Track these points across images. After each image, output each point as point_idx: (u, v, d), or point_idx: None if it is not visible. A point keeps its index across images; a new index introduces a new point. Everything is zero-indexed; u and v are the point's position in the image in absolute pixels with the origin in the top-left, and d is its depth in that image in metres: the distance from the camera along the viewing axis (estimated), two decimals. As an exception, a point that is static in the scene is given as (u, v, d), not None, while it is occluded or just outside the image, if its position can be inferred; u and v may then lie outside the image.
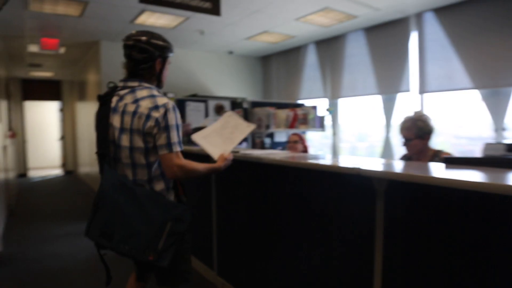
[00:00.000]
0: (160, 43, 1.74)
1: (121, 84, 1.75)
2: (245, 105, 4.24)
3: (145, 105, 1.64)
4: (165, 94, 5.35)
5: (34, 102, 10.20)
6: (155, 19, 4.64)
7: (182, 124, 1.78)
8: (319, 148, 6.21)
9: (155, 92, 1.70)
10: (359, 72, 5.24)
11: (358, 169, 1.52)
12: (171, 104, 1.68)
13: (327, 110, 4.46)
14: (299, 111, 4.28)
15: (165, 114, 1.63)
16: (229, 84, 6.82)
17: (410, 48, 4.67)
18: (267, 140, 4.44)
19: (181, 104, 3.81)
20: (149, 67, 1.73)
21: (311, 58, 6.10)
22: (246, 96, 6.83)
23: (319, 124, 4.49)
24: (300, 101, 6.35)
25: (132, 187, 1.64)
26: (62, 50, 6.10)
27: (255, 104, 4.32)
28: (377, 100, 5.06)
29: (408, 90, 4.70)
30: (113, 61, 5.63)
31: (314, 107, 4.45)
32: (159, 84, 1.82)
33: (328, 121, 4.55)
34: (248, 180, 2.49)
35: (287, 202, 2.13)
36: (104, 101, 1.73)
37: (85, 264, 3.49)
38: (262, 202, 2.35)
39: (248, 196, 2.49)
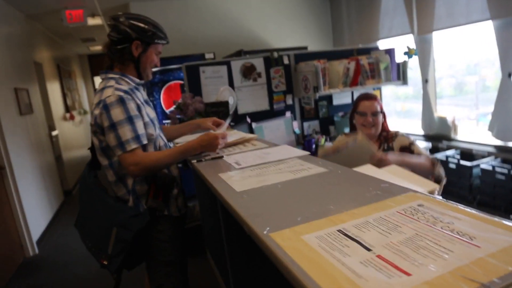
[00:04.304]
0: (141, 24, 1.67)
1: (102, 76, 1.72)
2: (286, 61, 3.24)
3: (95, 100, 1.63)
4: (203, 55, 4.67)
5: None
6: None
7: (138, 114, 1.61)
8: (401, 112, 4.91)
9: (110, 83, 1.63)
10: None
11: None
12: (113, 97, 1.56)
13: (407, 53, 3.20)
14: (364, 60, 3.13)
15: (106, 111, 1.55)
16: (289, 33, 5.75)
17: None
18: (322, 106, 3.42)
19: (192, 71, 2.98)
20: (123, 49, 1.67)
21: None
22: (311, 45, 5.70)
23: (397, 75, 3.28)
24: (380, 42, 5.04)
25: (91, 187, 1.71)
26: (97, 20, 5.72)
27: (301, 58, 3.29)
28: (489, 29, 3.56)
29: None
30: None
31: (389, 51, 3.25)
32: (139, 74, 1.75)
33: (410, 68, 3.28)
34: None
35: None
36: None
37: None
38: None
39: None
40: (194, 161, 1.66)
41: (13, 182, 3.77)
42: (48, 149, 5.34)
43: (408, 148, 1.97)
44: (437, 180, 1.87)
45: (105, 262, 1.64)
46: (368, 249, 0.68)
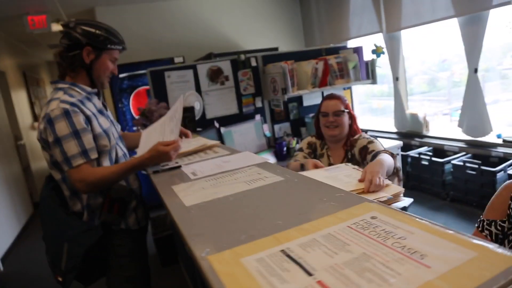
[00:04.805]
0: (91, 29, 1.58)
1: (52, 86, 1.64)
2: (253, 63, 3.17)
3: (42, 114, 1.54)
4: (172, 60, 4.55)
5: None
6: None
7: (85, 127, 1.51)
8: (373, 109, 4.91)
9: (56, 95, 1.54)
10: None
11: None
12: (58, 110, 1.46)
13: (375, 51, 3.17)
14: (332, 60, 3.09)
15: (50, 125, 1.46)
16: (260, 34, 5.67)
17: None
18: (293, 108, 3.36)
19: (157, 77, 2.87)
20: (73, 57, 1.58)
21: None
22: (283, 46, 5.64)
23: (366, 73, 3.25)
24: (351, 42, 5.04)
25: (44, 201, 1.62)
26: (58, 27, 5.51)
27: (269, 59, 3.22)
28: (454, 26, 3.58)
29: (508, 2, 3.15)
30: (113, 27, 4.87)
31: (357, 49, 3.22)
32: (93, 83, 1.66)
33: (379, 67, 3.25)
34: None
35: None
36: None
37: None
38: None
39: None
40: (150, 172, 1.56)
41: (-27, 197, 3.56)
42: (15, 159, 5.11)
43: (366, 147, 1.89)
44: (398, 173, 1.82)
45: (60, 279, 1.56)
46: (310, 274, 0.60)
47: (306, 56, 3.22)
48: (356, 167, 1.63)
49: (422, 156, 3.89)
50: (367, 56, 3.29)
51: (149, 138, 1.76)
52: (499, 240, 1.25)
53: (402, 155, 4.04)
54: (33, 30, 4.90)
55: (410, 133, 4.39)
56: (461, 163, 3.48)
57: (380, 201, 1.37)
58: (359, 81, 3.24)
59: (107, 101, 7.64)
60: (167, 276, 3.03)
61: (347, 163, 1.71)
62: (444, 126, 4.38)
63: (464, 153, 3.72)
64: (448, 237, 0.65)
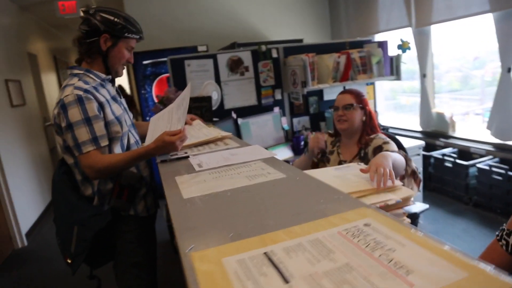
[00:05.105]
0: (110, 17, 1.59)
1: (68, 72, 1.67)
2: (274, 54, 3.11)
3: (56, 99, 1.57)
4: (195, 48, 4.54)
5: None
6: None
7: (97, 114, 1.54)
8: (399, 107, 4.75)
9: (72, 81, 1.56)
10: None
11: None
12: (71, 97, 1.49)
13: (400, 46, 3.05)
14: (355, 54, 3.00)
15: (63, 111, 1.50)
16: (286, 25, 5.58)
17: None
18: (313, 101, 3.29)
19: (178, 65, 2.87)
20: (91, 43, 1.60)
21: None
22: (309, 38, 5.54)
23: (390, 69, 3.14)
24: (378, 36, 4.88)
25: (56, 184, 1.64)
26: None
27: (290, 51, 3.16)
28: (488, 22, 3.40)
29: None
30: (139, 15, 4.90)
31: (382, 44, 3.11)
32: (108, 70, 1.67)
33: (404, 63, 3.14)
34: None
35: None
36: None
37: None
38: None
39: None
40: (158, 161, 1.56)
41: (1, 174, 3.71)
42: (42, 140, 5.28)
43: (380, 147, 1.82)
44: (414, 175, 1.74)
45: (69, 261, 1.61)
46: (286, 281, 0.57)
47: (329, 49, 3.14)
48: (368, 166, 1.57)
49: (446, 158, 3.74)
50: (392, 51, 3.17)
51: (157, 126, 1.77)
52: None
53: (424, 155, 3.91)
54: (63, 15, 5.01)
55: (435, 132, 4.23)
56: (487, 167, 3.33)
57: (388, 204, 1.33)
58: (383, 76, 3.13)
59: (131, 87, 7.81)
60: (177, 264, 3.07)
61: (359, 163, 1.66)
62: (472, 127, 4.19)
63: (491, 156, 3.55)
64: (442, 253, 0.61)
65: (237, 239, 0.75)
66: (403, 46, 3.06)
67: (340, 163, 1.98)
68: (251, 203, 0.97)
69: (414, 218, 2.06)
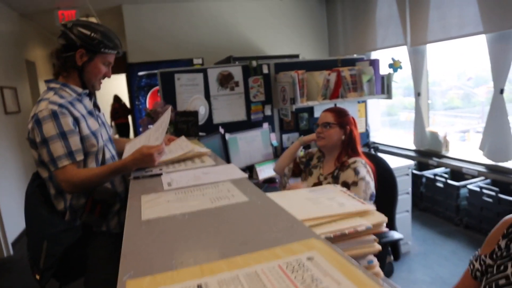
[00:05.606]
0: (87, 32, 1.58)
1: (46, 85, 1.66)
2: (265, 70, 3.12)
3: (31, 113, 1.56)
4: (191, 61, 4.57)
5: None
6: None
7: (72, 129, 1.54)
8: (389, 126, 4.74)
9: (47, 95, 1.56)
10: (453, 3, 3.60)
11: None
12: (46, 111, 1.49)
13: (392, 65, 3.05)
14: (346, 72, 3.00)
15: (37, 126, 1.49)
16: (283, 40, 5.63)
17: None
18: (303, 118, 3.29)
19: (168, 78, 2.88)
20: (67, 58, 1.60)
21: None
22: (307, 54, 5.57)
23: (381, 87, 3.14)
24: (375, 53, 4.91)
25: (28, 197, 1.64)
26: (92, 20, 5.67)
27: (281, 67, 3.17)
28: (481, 42, 3.42)
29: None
30: (137, 26, 4.96)
31: (373, 62, 3.11)
32: (84, 84, 1.67)
33: (395, 82, 3.14)
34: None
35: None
36: None
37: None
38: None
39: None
40: (131, 178, 1.55)
41: (-11, 182, 3.71)
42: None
43: (348, 186, 1.82)
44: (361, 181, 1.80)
45: (37, 277, 1.57)
46: (209, 320, 0.56)
47: (321, 66, 3.14)
48: (344, 189, 1.56)
49: (437, 178, 3.72)
50: (384, 69, 3.18)
51: (134, 146, 1.76)
52: (478, 277, 1.15)
53: (416, 174, 3.89)
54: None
55: (429, 151, 4.21)
56: (478, 189, 3.30)
57: (358, 230, 1.30)
58: (373, 95, 3.13)
59: (124, 97, 7.87)
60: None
61: (336, 184, 1.65)
62: (466, 147, 4.17)
63: (483, 178, 3.52)
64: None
65: (178, 267, 0.73)
66: (395, 65, 3.06)
67: (319, 177, 2.01)
68: (204, 229, 0.95)
69: (394, 246, 2.04)
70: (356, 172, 1.85)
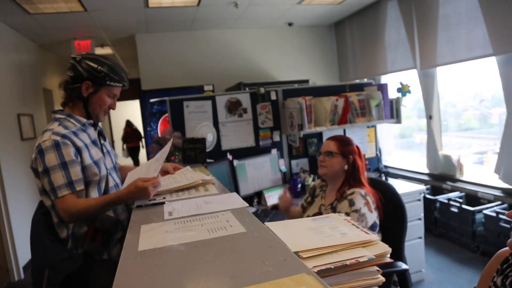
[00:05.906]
0: (94, 65, 1.64)
1: (52, 115, 1.74)
2: (273, 97, 3.16)
3: (36, 143, 1.61)
4: (201, 87, 4.66)
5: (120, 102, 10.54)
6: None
7: (74, 159, 1.58)
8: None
9: (51, 126, 1.62)
10: (461, 26, 3.60)
11: None
12: (49, 142, 1.54)
13: (400, 89, 3.05)
14: (353, 97, 3.01)
15: (40, 156, 1.55)
16: (293, 66, 5.70)
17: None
18: (312, 143, 3.29)
19: (177, 106, 2.94)
20: (74, 89, 1.66)
21: (393, 15, 4.56)
22: (317, 79, 5.61)
23: (390, 112, 3.13)
24: (385, 77, 4.92)
25: (33, 224, 1.70)
26: (107, 50, 5.88)
27: (289, 94, 3.20)
28: (491, 64, 3.39)
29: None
30: (150, 55, 5.11)
31: (381, 87, 3.12)
32: (89, 114, 1.72)
33: (404, 106, 3.13)
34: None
35: None
36: None
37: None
38: None
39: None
40: (134, 206, 1.56)
41: (4, 205, 3.78)
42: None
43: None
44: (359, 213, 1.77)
45: None
46: None
47: (329, 92, 3.17)
48: (348, 218, 1.54)
49: (452, 202, 3.63)
50: (393, 94, 3.17)
51: (134, 176, 1.79)
52: None
53: (430, 199, 3.80)
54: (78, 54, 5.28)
55: (443, 175, 4.13)
56: (494, 214, 3.20)
57: (359, 261, 1.27)
58: (382, 120, 3.11)
59: (138, 123, 7.97)
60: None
61: (340, 213, 1.63)
62: (481, 170, 4.08)
63: (499, 202, 3.42)
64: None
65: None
66: (403, 90, 3.05)
67: (320, 207, 1.99)
68: (198, 261, 0.95)
69: (401, 277, 1.99)
70: (351, 203, 1.83)
